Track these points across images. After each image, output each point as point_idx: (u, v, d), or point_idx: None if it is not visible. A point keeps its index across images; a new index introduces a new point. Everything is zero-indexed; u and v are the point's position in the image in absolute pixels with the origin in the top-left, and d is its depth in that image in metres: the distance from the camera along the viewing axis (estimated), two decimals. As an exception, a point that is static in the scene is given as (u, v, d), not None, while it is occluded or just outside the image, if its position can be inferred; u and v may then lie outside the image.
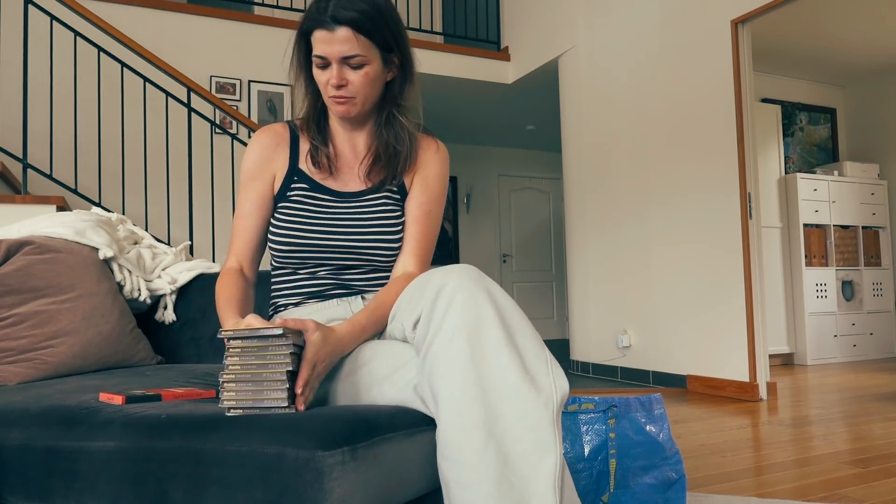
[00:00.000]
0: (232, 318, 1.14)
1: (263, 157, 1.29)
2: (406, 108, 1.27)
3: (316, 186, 1.27)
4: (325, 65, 1.18)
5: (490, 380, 0.86)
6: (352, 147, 1.31)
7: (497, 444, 0.84)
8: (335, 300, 1.24)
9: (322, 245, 1.23)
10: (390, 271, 1.28)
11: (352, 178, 1.29)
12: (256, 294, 1.63)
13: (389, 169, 1.27)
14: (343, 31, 1.14)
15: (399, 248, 1.27)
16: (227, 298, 1.19)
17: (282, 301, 1.28)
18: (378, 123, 1.29)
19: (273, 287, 1.31)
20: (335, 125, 1.32)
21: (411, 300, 0.99)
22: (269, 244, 1.27)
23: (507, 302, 0.94)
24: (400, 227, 1.27)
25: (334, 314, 1.22)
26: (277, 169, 1.29)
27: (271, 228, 1.25)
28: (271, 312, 1.31)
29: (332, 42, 1.15)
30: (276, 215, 1.26)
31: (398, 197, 1.29)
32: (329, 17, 1.14)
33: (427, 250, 1.29)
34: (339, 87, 1.18)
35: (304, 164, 1.28)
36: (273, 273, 1.32)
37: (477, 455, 0.84)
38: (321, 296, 1.25)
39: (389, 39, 1.19)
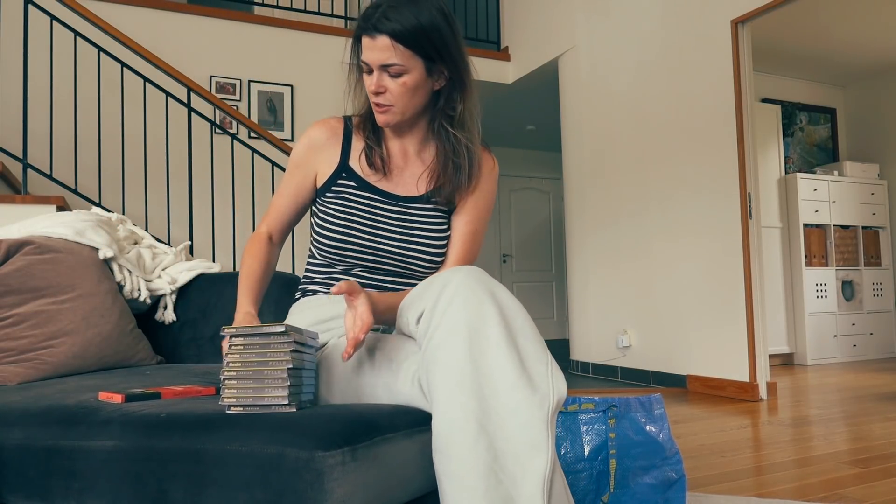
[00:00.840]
0: (241, 310, 1.20)
1: (312, 149, 1.31)
2: (458, 119, 1.26)
3: (364, 185, 1.27)
4: (369, 70, 1.20)
5: (486, 376, 0.87)
6: (402, 151, 1.32)
7: (488, 439, 0.84)
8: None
9: (364, 246, 1.24)
10: None
11: (401, 182, 1.29)
12: (272, 289, 1.65)
13: (451, 183, 1.27)
14: (383, 40, 1.15)
15: (438, 263, 1.27)
16: (247, 273, 1.26)
17: (311, 287, 1.30)
18: (429, 131, 1.30)
19: (307, 271, 1.34)
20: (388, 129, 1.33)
21: (417, 296, 1.00)
22: (312, 235, 1.30)
23: (512, 303, 0.94)
24: (444, 242, 1.28)
25: None
26: (324, 163, 1.30)
27: (317, 221, 1.27)
28: (298, 295, 1.33)
29: (373, 49, 1.17)
30: (324, 209, 1.27)
31: (446, 209, 1.30)
32: (371, 25, 1.16)
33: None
34: (377, 93, 1.20)
35: (356, 163, 1.29)
36: (309, 258, 1.34)
37: (466, 449, 0.84)
38: None
39: (432, 51, 1.18)
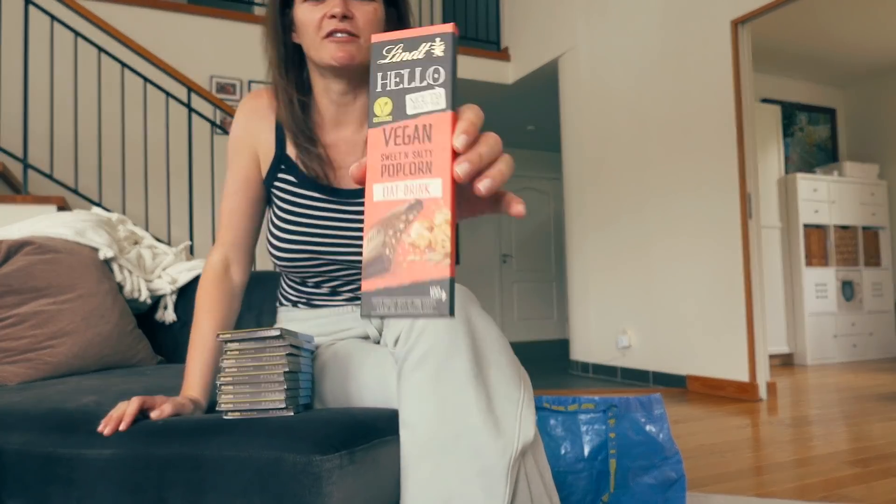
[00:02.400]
0: (188, 392, 0.99)
1: (248, 129, 1.10)
2: None
3: (305, 181, 1.08)
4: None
5: (450, 413, 0.80)
6: (344, 134, 1.10)
7: (444, 478, 0.79)
8: (349, 307, 1.14)
9: (321, 262, 1.07)
10: None
11: (346, 169, 1.08)
12: (255, 295, 1.63)
13: None
14: None
15: None
16: (201, 339, 1.04)
17: (290, 298, 1.18)
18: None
19: (282, 283, 1.22)
20: (325, 104, 1.09)
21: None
22: (267, 249, 1.12)
23: (488, 332, 0.86)
24: None
25: (347, 322, 1.14)
26: (262, 146, 1.09)
27: (268, 235, 1.10)
28: (278, 304, 1.23)
29: None
30: (272, 216, 1.10)
31: None
32: None
33: None
34: (344, 16, 0.98)
35: (293, 151, 1.08)
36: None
37: (421, 487, 0.79)
38: (331, 305, 1.15)
39: None
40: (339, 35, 0.99)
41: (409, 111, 0.45)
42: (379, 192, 0.44)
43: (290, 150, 1.09)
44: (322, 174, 1.06)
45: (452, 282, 0.42)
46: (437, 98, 0.45)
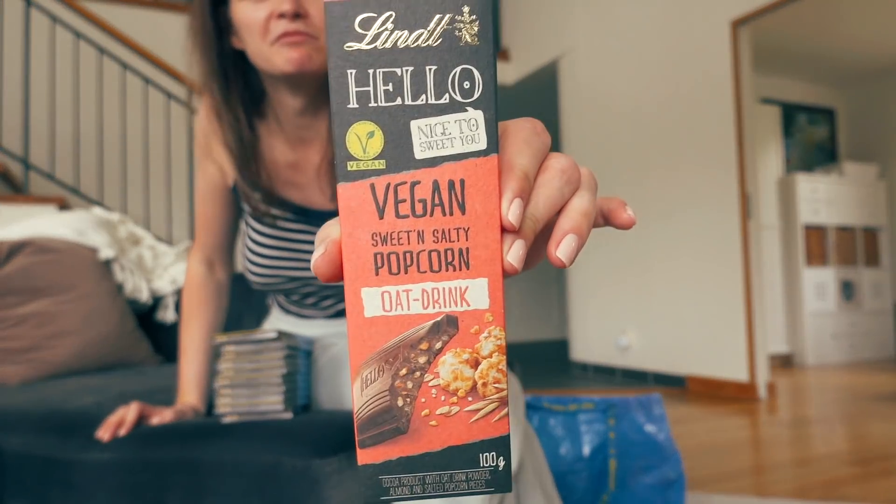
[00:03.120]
0: (185, 398, 0.96)
1: (209, 132, 0.95)
2: None
3: (270, 198, 0.93)
4: None
5: None
6: (311, 152, 0.94)
7: None
8: (340, 318, 1.08)
9: (298, 284, 0.98)
10: None
11: (315, 189, 0.95)
12: (255, 295, 1.62)
13: None
14: None
15: None
16: (191, 341, 1.00)
17: (281, 308, 1.12)
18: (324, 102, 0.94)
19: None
20: (284, 118, 0.91)
21: None
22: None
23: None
24: None
25: (340, 326, 1.09)
26: (224, 156, 0.94)
27: (244, 255, 1.00)
28: (270, 301, 1.18)
29: None
30: (247, 233, 0.98)
31: None
32: None
33: None
34: (295, 16, 0.80)
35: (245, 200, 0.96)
36: None
37: None
38: (320, 317, 1.09)
39: None
40: (292, 35, 0.81)
41: (419, 152, 0.26)
42: (373, 303, 0.26)
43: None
44: (266, 213, 0.92)
45: (507, 441, 0.27)
46: (471, 128, 0.26)
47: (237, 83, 0.90)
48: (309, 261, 0.95)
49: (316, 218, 0.95)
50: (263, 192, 0.91)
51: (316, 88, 0.88)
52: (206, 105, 0.94)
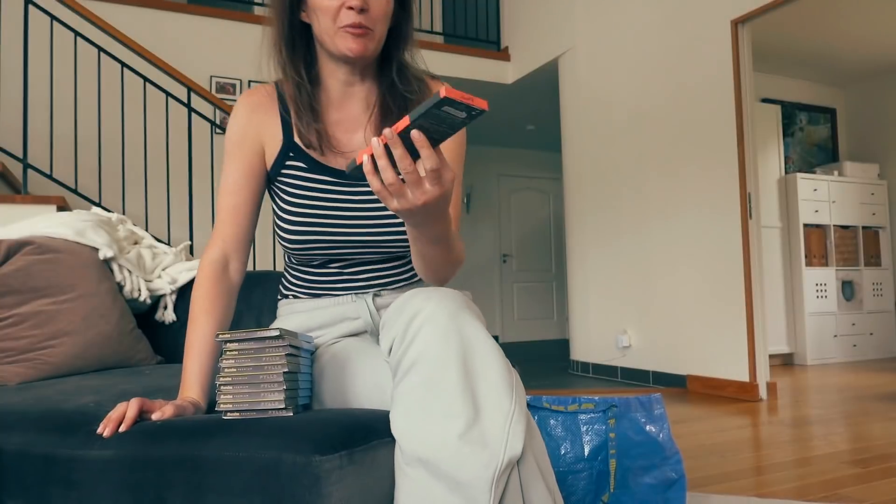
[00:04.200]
0: (186, 394, 0.99)
1: (252, 122, 1.10)
2: (412, 55, 1.12)
3: (316, 166, 1.09)
4: None
5: (436, 424, 0.80)
6: (347, 113, 1.12)
7: (428, 487, 0.79)
8: (350, 296, 1.14)
9: (331, 241, 1.08)
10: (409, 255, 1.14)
11: (353, 153, 1.10)
12: (255, 295, 1.63)
13: None
14: None
15: None
16: (199, 338, 1.03)
17: (292, 290, 1.18)
18: (385, 77, 1.10)
19: (285, 267, 1.22)
20: (332, 83, 1.11)
21: (391, 322, 0.90)
22: (275, 231, 1.13)
23: (480, 342, 0.84)
24: None
25: (347, 312, 1.14)
26: (268, 139, 1.10)
27: (275, 216, 1.11)
28: (280, 298, 1.23)
29: None
30: (278, 201, 1.11)
31: None
32: None
33: (454, 223, 1.10)
34: (361, 10, 0.99)
35: (299, 138, 1.10)
36: (285, 259, 1.21)
37: (406, 496, 0.80)
38: (333, 292, 1.15)
39: None
40: (356, 28, 1.00)
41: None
42: None
43: (298, 139, 1.09)
44: (317, 146, 1.07)
45: None
46: None
47: (301, 50, 1.08)
48: (343, 220, 1.08)
49: (346, 177, 1.09)
50: (319, 139, 1.07)
51: (363, 64, 1.07)
52: (243, 103, 1.10)
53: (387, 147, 0.74)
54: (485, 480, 0.76)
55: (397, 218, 1.08)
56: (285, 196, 1.09)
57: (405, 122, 0.71)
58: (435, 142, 0.74)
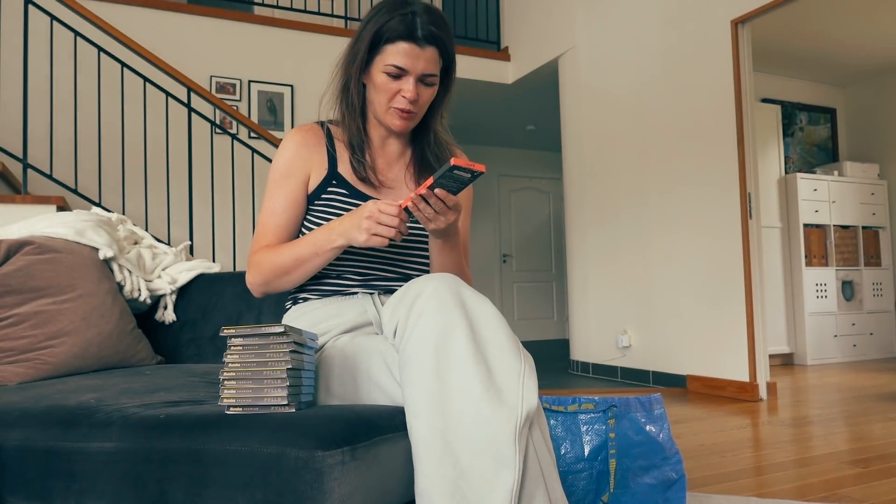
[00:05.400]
0: (325, 230, 1.16)
1: (300, 155, 1.26)
2: (444, 124, 1.32)
3: (355, 193, 1.25)
4: (400, 76, 1.18)
5: (452, 390, 0.85)
6: (386, 158, 1.31)
7: (454, 457, 0.83)
8: (357, 290, 1.24)
9: (358, 255, 1.23)
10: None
11: (388, 188, 1.29)
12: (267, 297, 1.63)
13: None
14: (431, 51, 1.17)
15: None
16: (282, 245, 1.21)
17: (302, 294, 1.27)
18: (422, 138, 1.31)
19: None
20: (374, 134, 1.31)
21: (394, 307, 0.99)
22: None
23: (483, 311, 0.92)
24: None
25: (355, 306, 1.22)
26: (314, 169, 1.26)
27: (308, 228, 1.25)
28: (289, 304, 1.31)
29: (418, 58, 1.16)
30: (313, 218, 1.25)
31: None
32: (421, 35, 1.15)
33: (464, 258, 1.32)
34: (413, 101, 1.19)
35: (344, 170, 1.27)
36: None
37: (433, 467, 0.83)
38: (343, 293, 1.24)
39: (450, 64, 1.24)
40: (405, 112, 1.21)
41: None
42: None
43: (342, 170, 1.27)
44: (371, 182, 1.27)
45: None
46: None
47: (360, 106, 1.28)
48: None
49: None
50: (367, 171, 1.26)
51: (399, 133, 1.29)
52: (291, 139, 1.28)
53: (422, 196, 1.06)
54: (508, 435, 0.82)
55: (423, 240, 1.27)
56: (328, 209, 1.25)
57: (430, 181, 1.04)
58: (452, 191, 1.08)
